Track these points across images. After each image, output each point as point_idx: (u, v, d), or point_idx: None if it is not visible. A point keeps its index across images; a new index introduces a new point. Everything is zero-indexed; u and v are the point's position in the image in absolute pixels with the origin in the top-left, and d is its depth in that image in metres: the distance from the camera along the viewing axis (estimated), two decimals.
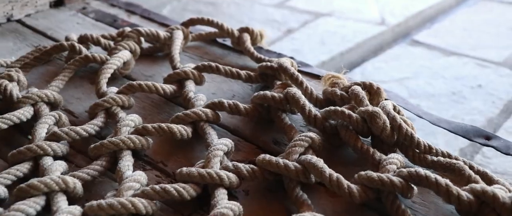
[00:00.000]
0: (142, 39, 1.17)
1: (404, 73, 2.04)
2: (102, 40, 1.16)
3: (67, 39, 1.19)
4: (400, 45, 2.33)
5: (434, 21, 2.51)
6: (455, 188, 0.67)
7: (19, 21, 1.45)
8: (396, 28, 2.46)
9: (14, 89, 0.98)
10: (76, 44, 1.11)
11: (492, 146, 0.88)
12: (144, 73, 1.14)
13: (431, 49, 2.23)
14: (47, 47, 1.14)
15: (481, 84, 1.92)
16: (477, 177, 0.72)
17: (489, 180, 0.74)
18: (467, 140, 1.56)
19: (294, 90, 0.88)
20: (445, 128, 0.94)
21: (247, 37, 1.16)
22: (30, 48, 1.29)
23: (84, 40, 1.16)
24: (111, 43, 1.17)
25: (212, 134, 0.85)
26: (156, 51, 1.21)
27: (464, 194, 0.67)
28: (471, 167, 0.76)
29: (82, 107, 1.03)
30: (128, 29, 1.21)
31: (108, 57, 1.07)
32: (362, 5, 2.73)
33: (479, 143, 0.89)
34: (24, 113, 0.93)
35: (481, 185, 0.68)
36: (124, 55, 1.07)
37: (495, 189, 0.67)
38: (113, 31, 1.31)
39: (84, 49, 1.12)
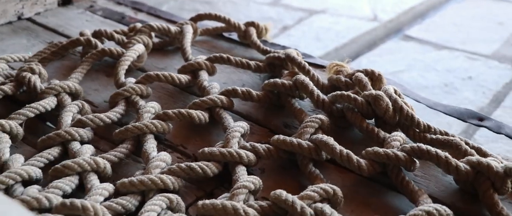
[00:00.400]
0: (153, 33, 1.24)
1: (398, 67, 2.12)
2: (116, 35, 1.22)
3: (81, 34, 1.25)
4: (393, 40, 2.41)
5: (425, 17, 2.59)
6: (453, 160, 0.75)
7: (29, 19, 1.50)
8: (388, 24, 2.54)
9: (37, 81, 1.04)
10: (92, 39, 1.17)
11: (485, 126, 0.95)
12: (156, 65, 1.20)
13: (422, 43, 2.32)
14: (64, 42, 1.20)
15: (471, 76, 2.00)
16: (473, 151, 0.80)
17: (483, 154, 0.81)
18: (459, 128, 1.65)
19: (303, 77, 0.95)
20: (441, 111, 1.01)
21: (253, 30, 1.23)
22: (43, 45, 1.34)
23: (98, 35, 1.23)
24: (124, 38, 1.23)
25: (228, 118, 0.92)
26: (166, 45, 1.27)
27: (462, 165, 0.74)
28: (466, 143, 0.83)
29: (100, 97, 1.09)
30: (139, 24, 1.27)
31: (124, 50, 1.13)
32: (354, 3, 2.81)
33: (473, 124, 0.97)
34: (49, 102, 0.99)
35: (476, 157, 0.76)
36: (138, 48, 1.13)
37: (489, 160, 0.74)
38: (122, 28, 1.37)
39: (99, 44, 1.18)
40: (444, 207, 0.68)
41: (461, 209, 0.75)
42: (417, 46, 2.30)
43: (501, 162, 0.78)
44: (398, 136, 0.83)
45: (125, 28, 1.32)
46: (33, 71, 1.06)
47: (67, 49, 1.20)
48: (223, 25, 1.29)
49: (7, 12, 1.48)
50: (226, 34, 1.33)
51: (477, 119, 0.98)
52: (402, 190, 0.77)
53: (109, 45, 1.26)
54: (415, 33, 2.43)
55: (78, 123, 0.92)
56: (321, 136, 0.81)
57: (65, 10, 1.57)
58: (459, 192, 0.79)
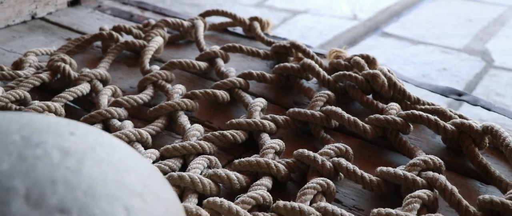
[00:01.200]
0: (165, 28, 1.37)
1: (379, 61, 2.29)
2: (134, 30, 1.34)
3: (101, 29, 1.38)
4: (372, 37, 2.59)
5: (401, 15, 2.79)
6: (441, 122, 0.91)
7: (43, 19, 1.62)
8: (367, 22, 2.72)
9: (70, 70, 1.16)
10: (114, 33, 1.30)
11: (463, 100, 1.12)
12: (172, 56, 1.33)
13: (400, 39, 2.50)
14: (87, 37, 1.32)
15: (446, 68, 2.20)
16: (456, 116, 0.96)
17: (465, 119, 0.98)
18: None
19: (309, 60, 1.10)
20: (426, 89, 1.18)
21: (257, 24, 1.38)
22: (61, 41, 1.46)
23: (118, 30, 1.35)
24: (140, 32, 1.36)
25: (247, 96, 1.06)
26: (178, 39, 1.40)
27: (448, 126, 0.90)
28: (450, 111, 0.99)
29: (126, 84, 1.21)
30: (152, 20, 1.40)
31: (145, 43, 1.26)
32: (334, 3, 2.99)
33: (453, 98, 1.14)
34: (85, 88, 1.11)
35: (460, 119, 0.92)
36: (158, 40, 1.27)
37: (470, 121, 0.91)
38: (132, 25, 1.49)
39: (120, 37, 1.31)
40: (437, 157, 0.84)
41: (449, 162, 0.91)
42: (395, 42, 2.49)
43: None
44: (394, 106, 0.98)
45: (135, 25, 1.45)
46: (65, 61, 1.18)
47: (91, 43, 1.32)
48: (228, 20, 1.43)
49: (22, 12, 1.59)
50: (230, 29, 1.47)
51: (457, 94, 1.15)
52: (400, 149, 0.93)
53: (126, 39, 1.39)
54: (392, 30, 2.62)
55: (115, 103, 1.05)
56: (330, 107, 0.97)
57: (75, 10, 1.69)
58: (447, 150, 0.95)
